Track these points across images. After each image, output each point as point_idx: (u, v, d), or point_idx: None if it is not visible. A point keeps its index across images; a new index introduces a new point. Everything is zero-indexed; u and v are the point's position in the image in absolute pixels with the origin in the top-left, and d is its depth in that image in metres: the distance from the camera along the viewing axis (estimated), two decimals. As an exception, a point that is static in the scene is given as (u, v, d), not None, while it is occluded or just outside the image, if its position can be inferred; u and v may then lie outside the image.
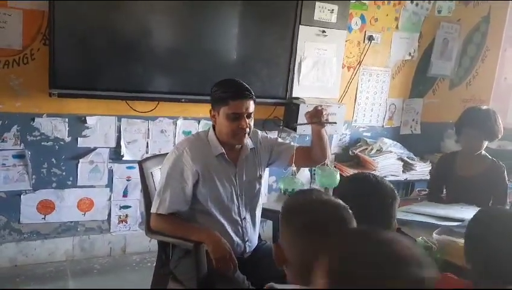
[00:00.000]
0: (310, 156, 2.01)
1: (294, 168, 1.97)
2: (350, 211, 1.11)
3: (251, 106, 1.85)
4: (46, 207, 2.77)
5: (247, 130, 1.85)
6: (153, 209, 1.88)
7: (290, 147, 2.05)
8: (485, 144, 2.40)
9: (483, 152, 2.44)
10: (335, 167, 3.49)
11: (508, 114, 3.68)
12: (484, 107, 2.51)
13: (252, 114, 1.87)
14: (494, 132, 2.36)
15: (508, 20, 3.83)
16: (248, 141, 1.96)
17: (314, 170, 2.13)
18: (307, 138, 3.14)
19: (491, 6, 3.75)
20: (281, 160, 2.05)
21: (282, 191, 1.86)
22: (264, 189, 3.27)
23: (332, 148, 3.51)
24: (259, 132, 2.09)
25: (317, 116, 1.90)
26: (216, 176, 1.89)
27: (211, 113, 1.91)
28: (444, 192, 2.59)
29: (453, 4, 3.60)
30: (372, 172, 3.27)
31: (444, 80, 3.77)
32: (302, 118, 2.27)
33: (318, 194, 1.17)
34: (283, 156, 2.04)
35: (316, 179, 1.97)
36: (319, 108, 1.90)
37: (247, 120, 1.84)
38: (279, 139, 2.16)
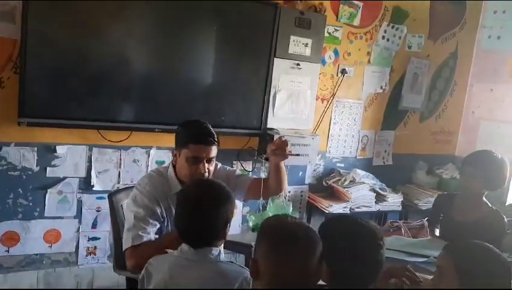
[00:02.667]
0: (267, 187, 2.00)
1: (262, 202, 1.93)
2: (318, 236, 1.24)
3: (212, 151, 1.86)
4: (10, 239, 2.67)
5: (206, 174, 1.85)
6: (127, 244, 1.81)
7: (246, 179, 2.05)
8: (484, 191, 2.29)
9: (484, 199, 2.32)
10: (309, 197, 3.53)
11: (476, 147, 3.78)
12: (494, 153, 2.30)
13: (213, 159, 1.88)
14: (495, 180, 2.24)
15: (475, 56, 3.98)
16: None
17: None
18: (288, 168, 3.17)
19: (458, 42, 3.90)
20: (237, 192, 2.00)
21: (252, 228, 1.81)
22: (237, 220, 3.28)
23: (306, 179, 3.53)
24: (218, 165, 2.08)
25: (281, 148, 1.92)
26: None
27: (173, 152, 1.92)
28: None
29: (423, 40, 3.73)
30: (345, 203, 3.32)
31: (414, 112, 3.87)
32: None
33: (294, 217, 1.30)
34: (239, 188, 2.03)
35: (268, 210, 1.88)
36: (283, 139, 1.93)
37: (206, 165, 1.84)
38: (237, 172, 2.16)
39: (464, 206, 2.37)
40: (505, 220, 2.27)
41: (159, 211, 1.84)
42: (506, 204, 3.42)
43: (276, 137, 3.04)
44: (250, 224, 1.83)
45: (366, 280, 1.36)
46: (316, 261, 1.20)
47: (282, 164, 1.98)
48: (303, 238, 1.20)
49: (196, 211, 1.44)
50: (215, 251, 1.46)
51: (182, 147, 1.85)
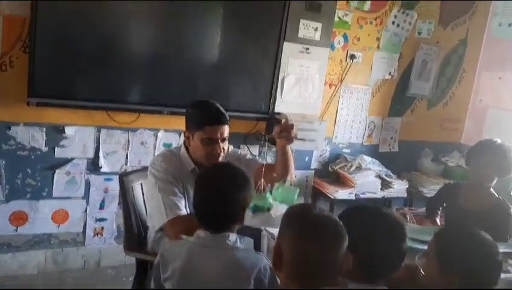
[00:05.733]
0: (273, 171, 2.00)
1: (264, 184, 1.91)
2: (345, 230, 1.20)
3: (226, 131, 1.87)
4: (18, 219, 2.69)
5: (222, 154, 1.87)
6: (163, 220, 1.77)
7: (254, 163, 2.05)
8: (495, 179, 2.30)
9: (491, 189, 2.34)
10: (314, 182, 3.54)
11: (482, 134, 3.77)
12: (499, 141, 2.35)
13: (227, 137, 1.88)
14: (505, 167, 2.27)
15: (484, 44, 3.94)
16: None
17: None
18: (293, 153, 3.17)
19: (468, 29, 3.86)
20: None
21: (252, 209, 1.80)
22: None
23: (312, 164, 3.54)
24: (230, 147, 2.08)
25: (286, 131, 1.91)
26: (190, 191, 1.88)
27: (185, 134, 1.91)
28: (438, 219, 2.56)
29: (432, 27, 3.69)
30: (351, 189, 3.33)
31: (422, 99, 3.85)
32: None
33: (320, 208, 1.28)
34: (247, 172, 2.02)
35: (274, 194, 1.90)
36: (289, 122, 1.92)
37: (221, 144, 1.86)
38: (248, 156, 2.16)
39: (471, 195, 2.37)
40: (511, 210, 2.29)
41: (179, 187, 1.84)
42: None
43: (283, 121, 3.08)
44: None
45: (391, 270, 1.37)
46: (341, 255, 1.19)
47: (289, 147, 1.97)
48: (332, 229, 1.19)
49: (216, 195, 1.44)
50: (232, 236, 1.46)
51: (196, 129, 1.85)
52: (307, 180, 3.53)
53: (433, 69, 3.80)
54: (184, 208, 1.82)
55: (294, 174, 2.10)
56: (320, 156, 3.56)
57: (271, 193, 1.94)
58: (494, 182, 2.32)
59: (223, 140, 1.87)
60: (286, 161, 1.99)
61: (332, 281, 1.21)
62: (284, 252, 1.20)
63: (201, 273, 1.42)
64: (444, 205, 2.57)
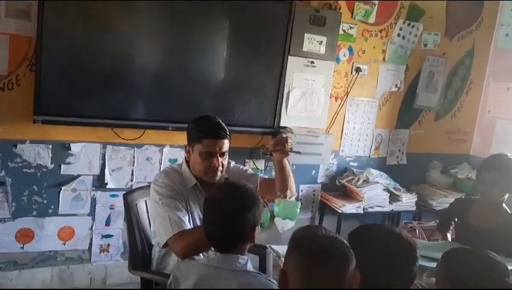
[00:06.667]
0: (272, 186, 1.98)
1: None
2: (351, 251, 1.19)
3: (225, 145, 1.86)
4: (25, 236, 2.69)
5: (220, 168, 1.87)
6: (169, 235, 1.75)
7: (256, 179, 2.02)
8: (506, 195, 2.24)
9: (504, 205, 2.27)
10: (321, 196, 3.50)
11: (491, 147, 3.72)
12: (509, 155, 2.29)
13: (226, 152, 1.88)
14: None
15: (491, 55, 3.91)
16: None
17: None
18: (294, 167, 3.14)
19: (474, 40, 3.84)
20: None
21: None
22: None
23: (319, 178, 3.51)
24: (232, 163, 2.07)
25: (281, 144, 1.90)
26: (193, 206, 1.90)
27: (186, 149, 1.92)
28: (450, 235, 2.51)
29: (439, 38, 3.67)
30: (359, 203, 3.29)
31: (429, 111, 3.82)
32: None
33: (326, 230, 1.26)
34: None
35: (274, 211, 1.85)
36: (284, 136, 1.91)
37: (219, 159, 1.86)
38: (249, 171, 2.15)
39: (483, 212, 2.32)
40: None
41: (182, 203, 1.84)
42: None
43: (289, 136, 3.06)
44: None
45: None
46: (349, 276, 1.17)
47: (286, 161, 1.95)
48: (337, 253, 1.17)
49: (224, 216, 1.42)
50: (242, 259, 1.43)
51: (195, 143, 1.86)
52: (314, 195, 3.51)
53: (440, 81, 3.77)
54: (188, 223, 1.81)
55: (295, 189, 2.06)
56: (327, 169, 3.53)
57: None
58: (506, 197, 2.26)
59: (222, 154, 1.87)
60: (284, 175, 1.96)
61: None
62: (290, 277, 1.19)
63: None
64: (456, 219, 2.52)
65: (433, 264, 1.94)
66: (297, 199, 3.43)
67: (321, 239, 1.20)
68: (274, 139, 1.93)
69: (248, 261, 1.45)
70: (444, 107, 3.88)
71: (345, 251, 1.19)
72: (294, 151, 1.94)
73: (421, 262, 1.88)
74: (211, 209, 1.47)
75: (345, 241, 1.22)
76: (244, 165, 2.90)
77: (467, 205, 2.43)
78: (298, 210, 1.86)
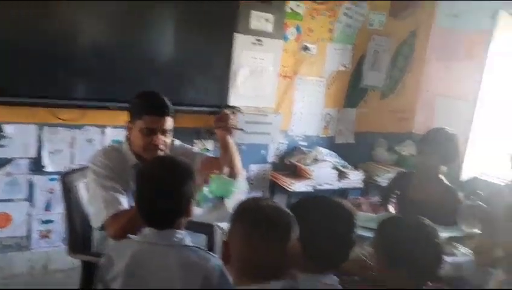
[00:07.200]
0: (218, 166, 1.91)
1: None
2: (295, 219, 1.19)
3: (167, 123, 1.78)
4: (-45, 224, 2.51)
5: (161, 146, 1.78)
6: (103, 217, 1.67)
7: (199, 156, 1.98)
8: (441, 167, 2.31)
9: (440, 176, 2.34)
10: (271, 176, 3.51)
11: (433, 124, 3.84)
12: (446, 129, 2.37)
13: (168, 131, 1.80)
14: (449, 155, 2.29)
15: (432, 34, 4.01)
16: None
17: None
18: (243, 147, 3.12)
19: (418, 20, 3.93)
20: None
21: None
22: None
23: (269, 157, 3.51)
24: (176, 141, 2.01)
25: (222, 121, 1.87)
26: (134, 186, 1.81)
27: (127, 126, 1.83)
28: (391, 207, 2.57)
29: (384, 18, 3.74)
30: (308, 181, 3.33)
31: (375, 90, 3.90)
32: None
33: (270, 200, 1.27)
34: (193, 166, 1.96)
35: (210, 188, 1.74)
36: (226, 112, 1.88)
37: (161, 137, 1.77)
38: (195, 149, 2.10)
39: (420, 184, 2.39)
40: (459, 196, 2.31)
41: (120, 183, 1.75)
42: (462, 179, 3.53)
43: (237, 115, 3.03)
44: None
45: (341, 260, 1.37)
46: (292, 245, 1.17)
47: (230, 139, 1.92)
48: (280, 222, 1.17)
49: (158, 190, 1.37)
50: (179, 234, 1.39)
51: (136, 119, 1.77)
52: (264, 174, 3.51)
53: (385, 60, 3.85)
54: (126, 204, 1.73)
55: (241, 167, 2.01)
56: (277, 149, 3.53)
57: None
58: (442, 169, 2.34)
59: (164, 133, 1.79)
60: (228, 153, 1.92)
61: (284, 274, 1.19)
62: (234, 248, 1.18)
63: (148, 273, 1.35)
64: (397, 192, 2.60)
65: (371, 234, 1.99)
66: (248, 179, 3.44)
67: (265, 209, 1.20)
68: (216, 116, 1.88)
69: (186, 236, 1.41)
70: (389, 87, 3.97)
71: (288, 219, 1.19)
72: (236, 128, 1.90)
73: (364, 233, 1.94)
74: (144, 183, 1.41)
75: (288, 210, 1.22)
76: (193, 146, 2.84)
77: (407, 179, 2.50)
78: (233, 188, 1.80)
